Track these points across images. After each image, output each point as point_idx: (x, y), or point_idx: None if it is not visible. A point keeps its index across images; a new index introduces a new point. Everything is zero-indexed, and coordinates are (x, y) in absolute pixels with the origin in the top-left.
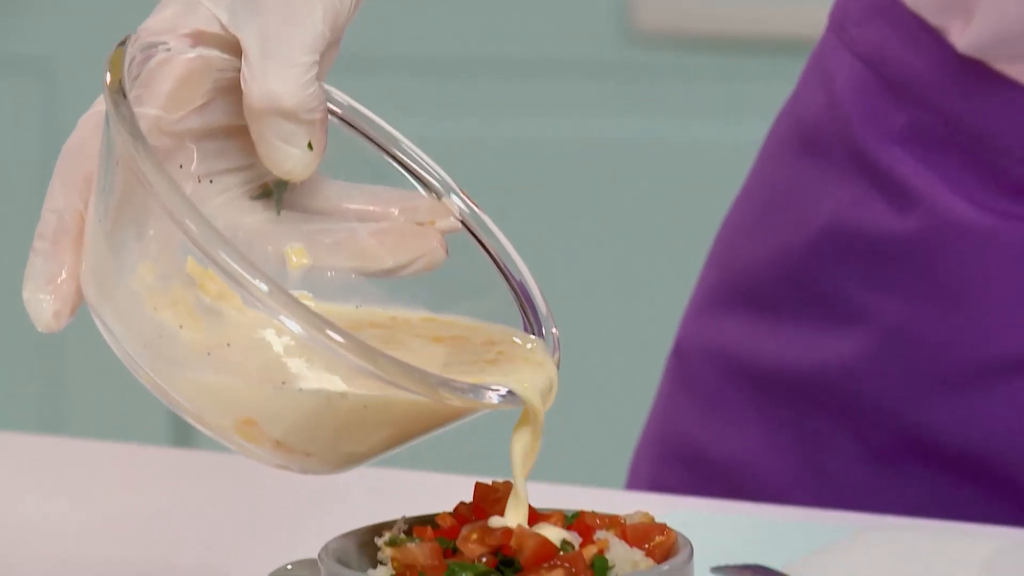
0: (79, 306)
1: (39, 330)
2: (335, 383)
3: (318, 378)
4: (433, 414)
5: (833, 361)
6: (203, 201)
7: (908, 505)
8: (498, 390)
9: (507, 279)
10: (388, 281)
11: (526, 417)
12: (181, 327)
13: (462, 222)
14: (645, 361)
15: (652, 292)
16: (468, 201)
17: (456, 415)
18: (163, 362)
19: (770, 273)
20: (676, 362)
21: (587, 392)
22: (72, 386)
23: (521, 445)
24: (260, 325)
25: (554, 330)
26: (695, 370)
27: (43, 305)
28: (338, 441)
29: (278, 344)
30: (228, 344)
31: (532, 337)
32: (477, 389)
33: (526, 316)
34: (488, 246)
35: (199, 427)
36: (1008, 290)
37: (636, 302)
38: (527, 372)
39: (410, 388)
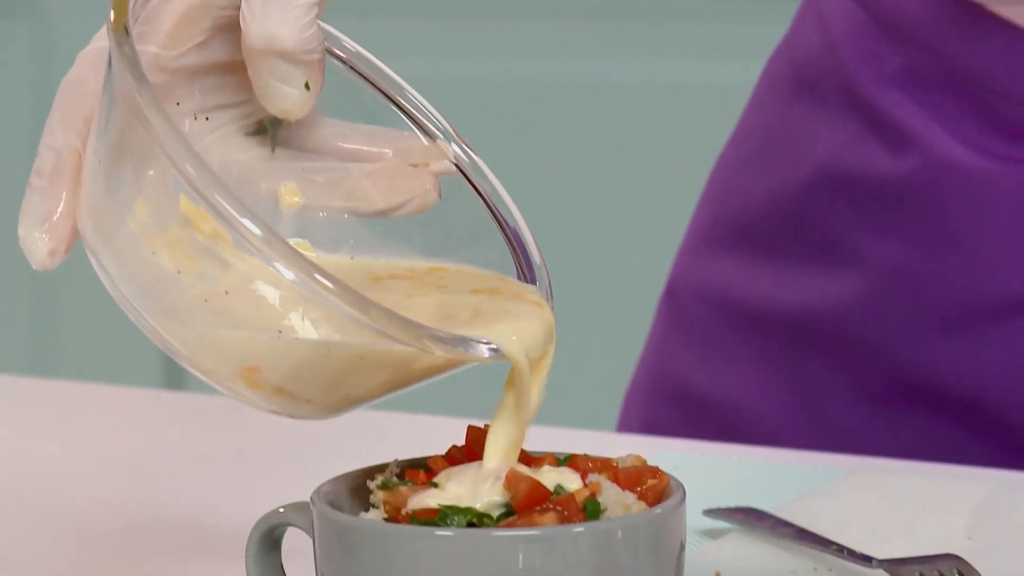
0: (74, 244)
1: (34, 268)
2: (329, 332)
3: (313, 327)
4: (429, 363)
5: (828, 302)
6: (198, 138)
7: (903, 447)
8: (489, 344)
9: (501, 226)
10: (381, 225)
11: (511, 376)
12: (179, 272)
13: (457, 167)
14: (636, 301)
15: (644, 232)
16: (465, 147)
17: (450, 365)
18: (160, 307)
19: (765, 213)
20: (669, 302)
21: (577, 333)
22: (65, 328)
23: (507, 412)
24: (256, 273)
25: (547, 280)
26: (689, 310)
27: (38, 243)
28: (336, 387)
29: (273, 292)
30: (226, 292)
31: (530, 287)
32: (466, 342)
33: (519, 264)
34: (484, 193)
35: (193, 371)
36: (1004, 233)
37: (628, 241)
38: (525, 324)
39: (398, 338)
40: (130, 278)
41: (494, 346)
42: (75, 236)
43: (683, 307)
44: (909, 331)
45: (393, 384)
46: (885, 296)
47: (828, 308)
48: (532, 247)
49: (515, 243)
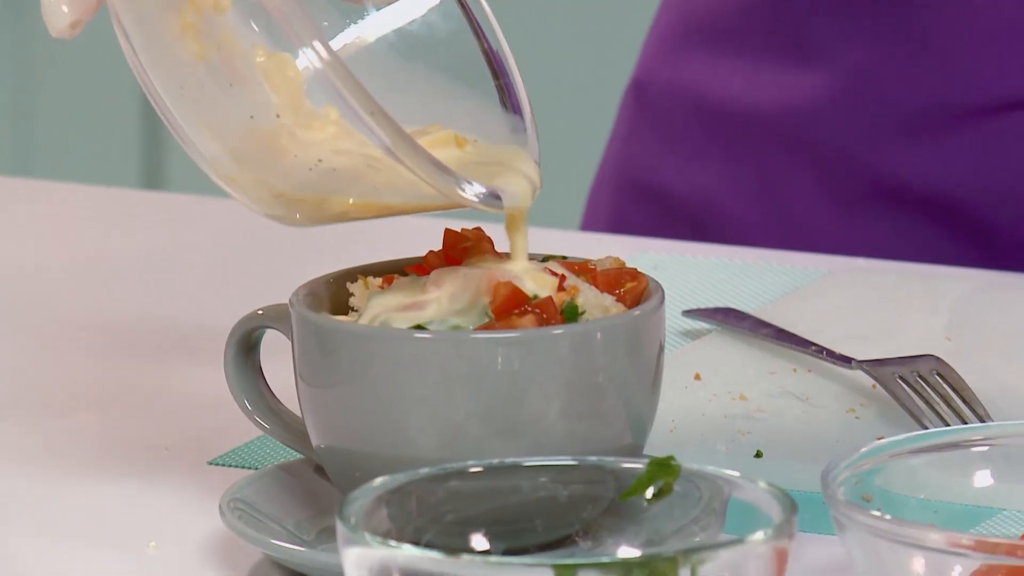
0: (96, 12)
1: (52, 35)
2: (362, 165)
3: (342, 148)
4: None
5: (797, 101)
6: None
7: (875, 249)
8: (488, 189)
9: (481, 41)
10: (357, 13)
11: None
12: (231, 85)
13: None
14: (597, 96)
15: (606, 23)
16: None
17: (454, 204)
18: (191, 103)
19: (734, 11)
20: (635, 98)
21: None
22: (42, 127)
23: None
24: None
25: (531, 116)
26: (656, 106)
27: (62, 11)
28: (348, 208)
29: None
30: (278, 115)
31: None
32: (466, 183)
33: (501, 92)
34: (474, 17)
35: (193, 156)
36: (978, 36)
37: (589, 33)
38: (524, 175)
39: (422, 175)
40: (162, 69)
41: (494, 192)
42: (99, 4)
43: (650, 103)
44: (879, 131)
45: (404, 209)
46: (855, 95)
47: (798, 107)
48: (519, 86)
49: (499, 71)
